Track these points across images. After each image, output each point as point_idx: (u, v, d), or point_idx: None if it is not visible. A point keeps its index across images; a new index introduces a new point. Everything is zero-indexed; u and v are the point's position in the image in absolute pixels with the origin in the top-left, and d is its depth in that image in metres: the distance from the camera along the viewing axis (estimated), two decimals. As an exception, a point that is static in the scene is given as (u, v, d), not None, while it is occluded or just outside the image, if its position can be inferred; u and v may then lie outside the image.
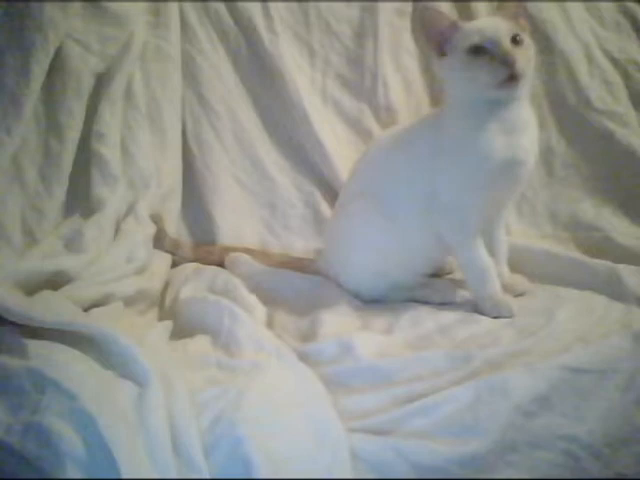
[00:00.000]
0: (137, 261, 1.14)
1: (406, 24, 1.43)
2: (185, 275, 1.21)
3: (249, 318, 0.99)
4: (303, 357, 0.91)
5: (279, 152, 1.39)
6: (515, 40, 0.99)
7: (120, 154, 1.23)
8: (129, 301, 1.06)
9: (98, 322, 0.89)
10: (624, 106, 1.35)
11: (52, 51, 1.16)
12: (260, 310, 1.06)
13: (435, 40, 1.03)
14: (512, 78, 0.98)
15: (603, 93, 1.35)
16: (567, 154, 1.35)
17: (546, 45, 1.35)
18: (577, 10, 1.41)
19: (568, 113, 1.36)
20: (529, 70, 1.00)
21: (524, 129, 1.04)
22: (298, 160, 1.39)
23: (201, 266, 1.25)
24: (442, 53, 1.03)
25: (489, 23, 1.02)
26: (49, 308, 0.90)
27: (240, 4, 1.38)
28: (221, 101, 1.37)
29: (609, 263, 1.13)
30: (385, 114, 1.40)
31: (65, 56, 1.19)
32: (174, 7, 1.35)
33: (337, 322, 1.04)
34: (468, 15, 1.37)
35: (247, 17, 1.37)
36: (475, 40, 0.99)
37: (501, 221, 1.15)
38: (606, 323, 0.97)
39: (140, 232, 1.18)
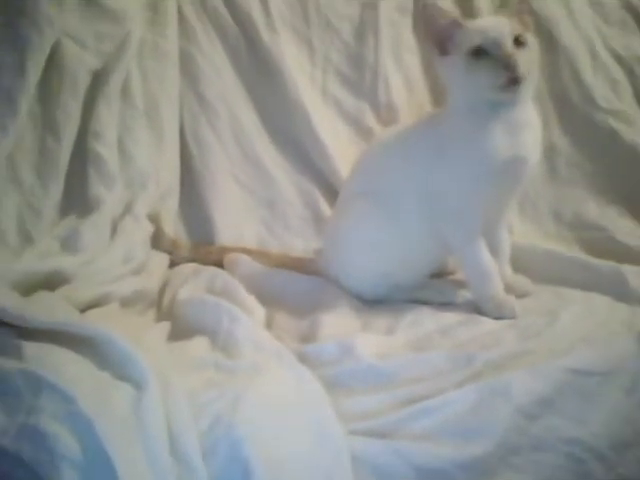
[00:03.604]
0: (134, 261, 1.14)
1: (408, 21, 1.43)
2: (183, 276, 1.21)
3: (248, 319, 0.98)
4: (303, 358, 0.91)
5: (278, 151, 1.39)
6: (518, 41, 0.99)
7: (117, 153, 1.23)
8: (126, 302, 1.06)
9: (95, 323, 0.88)
10: (629, 105, 1.35)
11: (48, 48, 1.16)
12: (259, 311, 1.06)
13: (436, 38, 1.03)
14: (513, 81, 0.98)
15: (607, 91, 1.35)
16: (571, 153, 1.35)
17: (549, 42, 1.35)
18: (580, 6, 1.41)
19: (572, 112, 1.36)
20: (533, 72, 1.01)
21: (527, 128, 1.05)
22: (298, 159, 1.39)
23: (199, 266, 1.24)
24: (443, 51, 1.04)
25: (492, 23, 1.02)
26: (45, 309, 0.90)
27: (239, 0, 1.38)
28: (220, 99, 1.37)
29: (613, 263, 1.13)
30: (386, 113, 1.40)
31: (61, 53, 1.19)
32: (172, 4, 1.35)
33: (337, 323, 1.05)
34: (470, 11, 1.37)
35: (246, 13, 1.38)
36: (477, 41, 0.99)
37: (503, 221, 1.15)
38: (610, 324, 0.97)
39: (138, 232, 1.19)
